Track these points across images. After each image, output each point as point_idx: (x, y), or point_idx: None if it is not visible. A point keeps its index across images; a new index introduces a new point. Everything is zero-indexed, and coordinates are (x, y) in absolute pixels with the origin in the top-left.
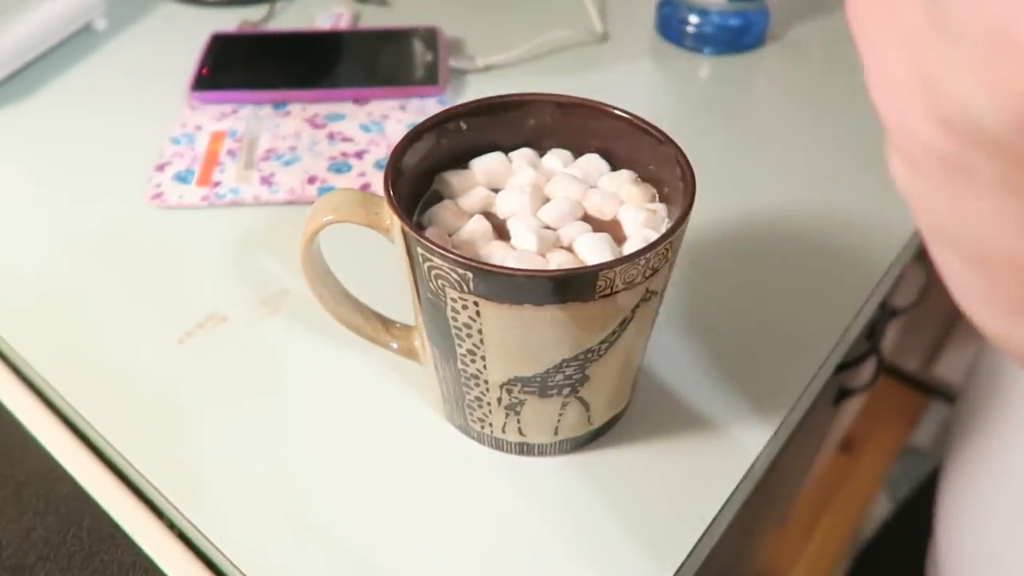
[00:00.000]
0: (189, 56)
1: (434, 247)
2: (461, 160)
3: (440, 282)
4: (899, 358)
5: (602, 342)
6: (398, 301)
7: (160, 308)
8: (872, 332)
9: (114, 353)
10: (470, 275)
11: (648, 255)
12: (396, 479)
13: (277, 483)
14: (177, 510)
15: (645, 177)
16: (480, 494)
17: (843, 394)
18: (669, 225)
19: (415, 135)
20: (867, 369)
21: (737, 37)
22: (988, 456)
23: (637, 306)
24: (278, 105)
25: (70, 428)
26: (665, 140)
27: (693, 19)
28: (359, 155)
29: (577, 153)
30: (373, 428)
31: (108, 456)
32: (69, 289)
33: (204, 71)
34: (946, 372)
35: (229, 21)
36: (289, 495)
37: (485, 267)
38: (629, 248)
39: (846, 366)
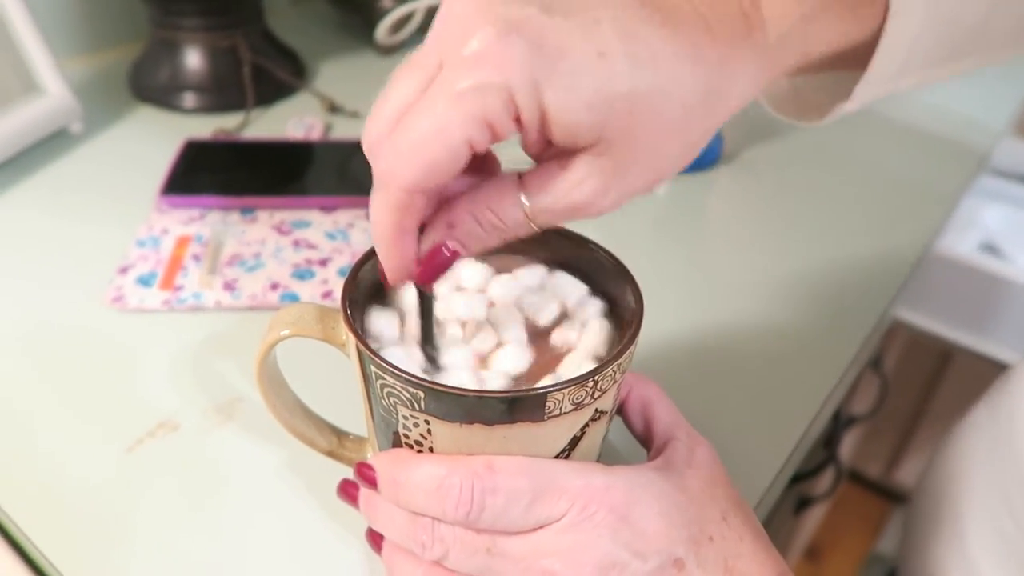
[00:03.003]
0: (163, 161)
1: (387, 365)
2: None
3: (392, 399)
4: (861, 464)
5: (554, 459)
6: (354, 412)
7: (111, 414)
8: (830, 441)
9: (57, 459)
10: (421, 394)
11: (596, 377)
12: None
13: None
14: None
15: (595, 290)
16: None
17: (804, 503)
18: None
19: (373, 253)
20: (827, 477)
21: None
22: (943, 558)
23: (587, 425)
24: (246, 211)
25: (4, 537)
26: (615, 262)
27: None
28: (323, 263)
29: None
30: (322, 546)
31: (43, 569)
32: (16, 389)
33: (174, 176)
34: (908, 478)
35: (205, 128)
36: None
37: (436, 387)
38: (570, 363)
39: (805, 475)
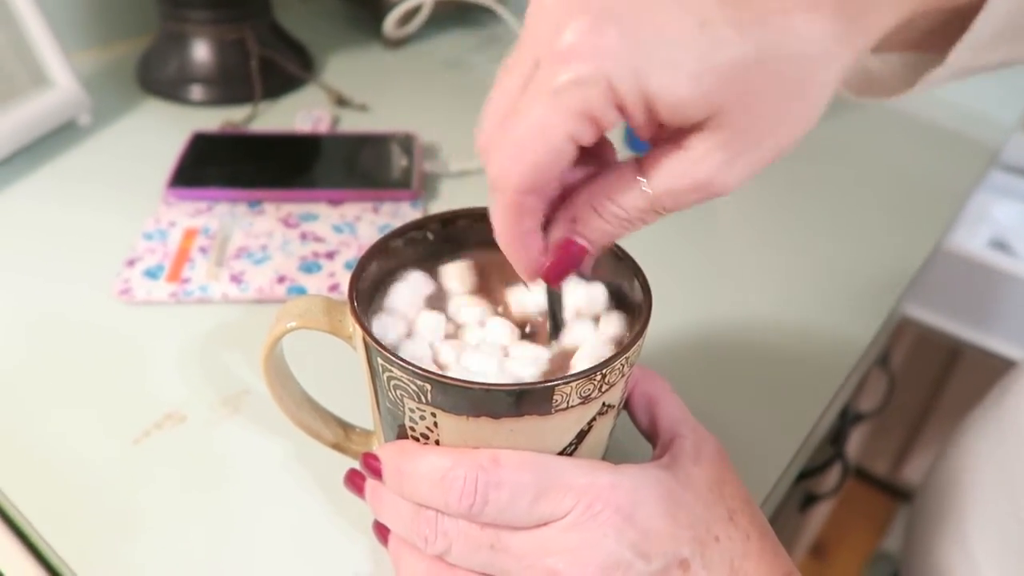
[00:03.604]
0: (170, 153)
1: (393, 358)
2: (428, 265)
3: (399, 392)
4: (868, 462)
5: (560, 454)
6: (360, 405)
7: (118, 406)
8: (837, 438)
9: (64, 450)
10: (428, 387)
11: (604, 370)
12: None
13: None
14: None
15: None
16: None
17: (810, 500)
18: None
19: (380, 247)
20: (833, 474)
21: None
22: (946, 555)
23: (594, 419)
24: (253, 204)
25: (11, 528)
26: (624, 256)
27: None
28: (330, 255)
29: None
30: (328, 538)
31: (49, 560)
32: (24, 381)
33: (182, 168)
34: (915, 475)
35: (212, 120)
36: None
37: (443, 379)
38: (579, 358)
39: (811, 472)
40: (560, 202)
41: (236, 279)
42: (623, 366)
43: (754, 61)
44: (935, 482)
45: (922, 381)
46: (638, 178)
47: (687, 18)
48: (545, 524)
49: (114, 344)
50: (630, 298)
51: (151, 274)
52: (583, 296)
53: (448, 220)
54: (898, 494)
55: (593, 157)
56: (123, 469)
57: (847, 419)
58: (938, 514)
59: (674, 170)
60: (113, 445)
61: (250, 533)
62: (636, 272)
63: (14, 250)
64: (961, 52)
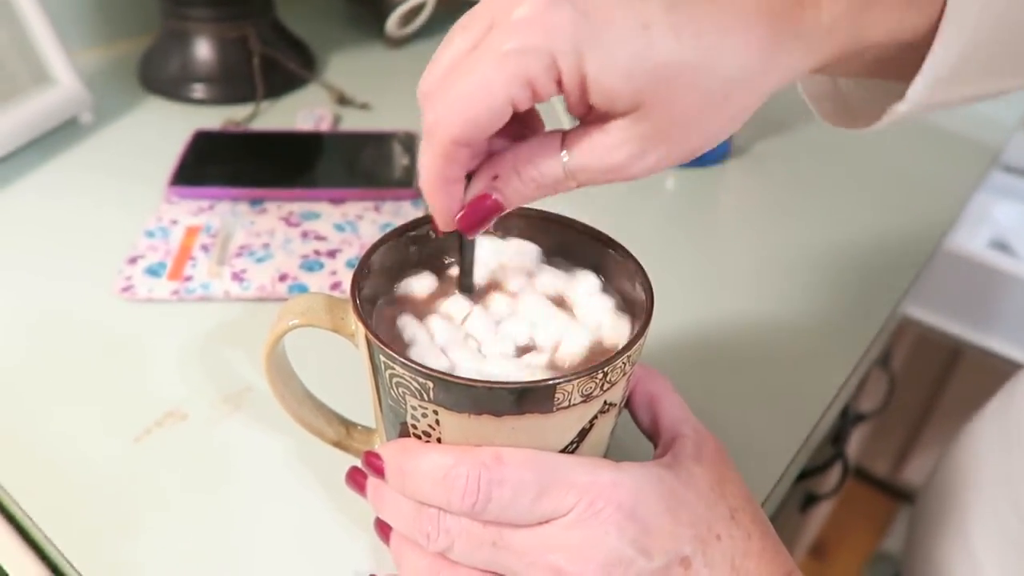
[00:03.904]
0: (172, 151)
1: (396, 355)
2: (431, 263)
3: (401, 390)
4: (868, 462)
5: (561, 452)
6: (362, 402)
7: (119, 404)
8: (837, 438)
9: (66, 448)
10: (431, 384)
11: (605, 369)
12: None
13: None
14: None
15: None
16: None
17: (810, 500)
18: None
19: (382, 244)
20: (834, 474)
21: None
22: (947, 555)
23: (595, 418)
24: (255, 202)
25: (13, 525)
26: (626, 256)
27: None
28: (331, 254)
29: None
30: (329, 536)
31: (51, 558)
32: (25, 378)
33: (183, 166)
34: (915, 476)
35: (214, 119)
36: None
37: (446, 377)
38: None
39: (812, 472)
40: (485, 159)
41: (238, 277)
42: (625, 364)
43: (683, 69)
44: (937, 482)
45: (923, 381)
46: (561, 151)
47: (634, 17)
48: (547, 522)
49: (116, 342)
50: (631, 296)
51: (153, 272)
52: (512, 250)
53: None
54: (898, 494)
55: (522, 125)
56: (125, 467)
57: (848, 419)
58: (940, 514)
59: (592, 150)
60: (114, 443)
61: (251, 531)
62: (638, 271)
63: (16, 247)
64: (919, 90)
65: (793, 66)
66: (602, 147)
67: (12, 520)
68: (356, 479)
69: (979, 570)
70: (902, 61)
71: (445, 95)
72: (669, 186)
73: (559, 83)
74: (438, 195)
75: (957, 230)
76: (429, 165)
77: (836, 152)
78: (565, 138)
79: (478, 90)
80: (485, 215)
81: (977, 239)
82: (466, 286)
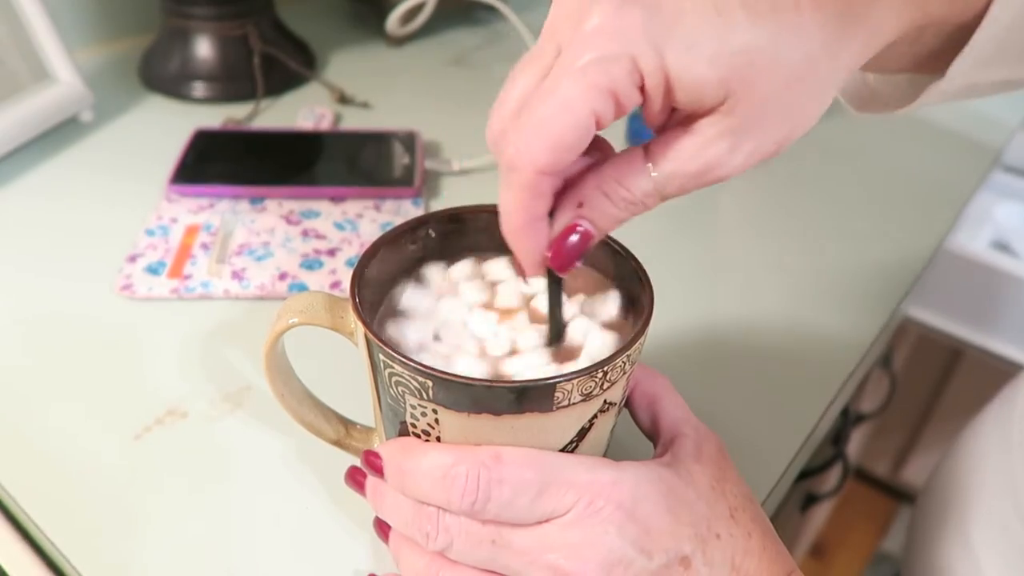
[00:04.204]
0: (173, 150)
1: (395, 354)
2: (431, 262)
3: (400, 388)
4: (869, 462)
5: (561, 451)
6: (362, 401)
7: (119, 402)
8: (838, 438)
9: (64, 446)
10: (430, 383)
11: (605, 368)
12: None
13: None
14: None
15: (607, 277)
16: None
17: (810, 500)
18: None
19: (382, 243)
20: (834, 474)
21: None
22: (947, 556)
23: (595, 417)
24: (255, 200)
25: (12, 524)
26: (626, 255)
27: None
28: (331, 252)
29: None
30: (328, 535)
31: (49, 555)
32: (25, 376)
33: (184, 165)
34: (915, 477)
35: (214, 117)
36: None
37: (445, 376)
38: (583, 360)
39: (812, 472)
40: (562, 193)
41: (238, 276)
42: (624, 364)
43: (765, 50)
44: (938, 483)
45: (924, 382)
46: (646, 163)
47: (705, 4)
48: (547, 520)
49: (116, 340)
50: (631, 295)
51: (153, 270)
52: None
53: (450, 217)
54: (899, 495)
55: (593, 151)
56: (124, 465)
57: (848, 419)
58: (941, 515)
59: (682, 154)
60: (114, 441)
61: (251, 529)
62: (638, 270)
63: (16, 245)
64: (963, 65)
65: (869, 37)
66: (691, 149)
67: (11, 518)
68: (355, 478)
69: (980, 571)
70: (948, 53)
71: (523, 125)
72: None
73: (642, 89)
74: (526, 235)
75: (958, 231)
76: (514, 203)
77: (838, 152)
78: (648, 149)
79: (561, 109)
80: (577, 249)
81: (978, 240)
82: (557, 334)
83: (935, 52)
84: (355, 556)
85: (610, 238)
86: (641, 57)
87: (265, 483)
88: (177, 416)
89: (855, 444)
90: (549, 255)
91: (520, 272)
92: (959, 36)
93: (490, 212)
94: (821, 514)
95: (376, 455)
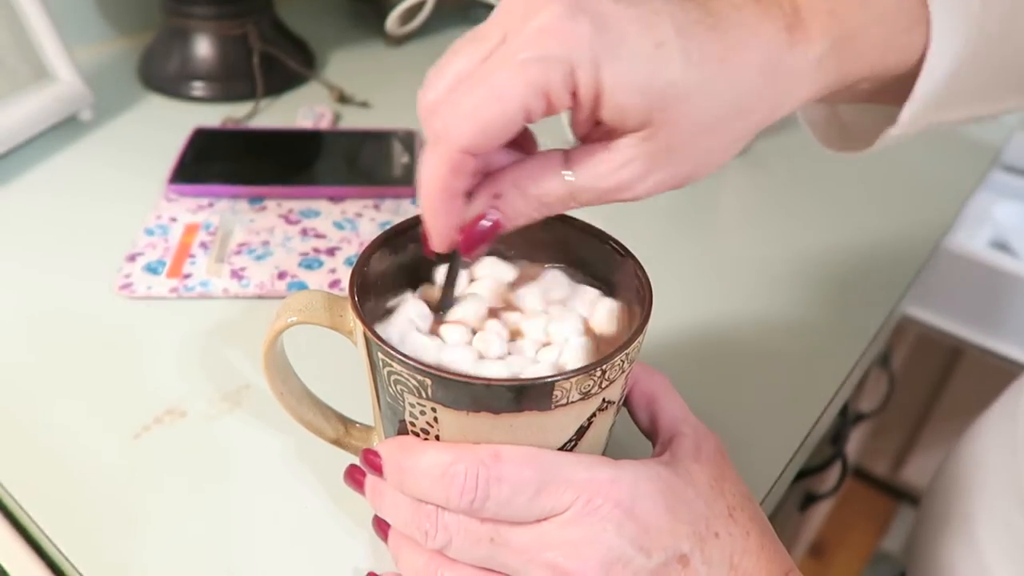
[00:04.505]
0: (172, 149)
1: (394, 352)
2: (431, 261)
3: (399, 387)
4: (868, 462)
5: (560, 449)
6: (361, 400)
7: (118, 401)
8: (837, 437)
9: (63, 445)
10: (429, 382)
11: (604, 366)
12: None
13: None
14: None
15: (605, 281)
16: None
17: (809, 499)
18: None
19: (381, 242)
20: (833, 474)
21: None
22: (952, 556)
23: (594, 415)
24: (254, 200)
25: (11, 522)
26: (625, 254)
27: None
28: (331, 252)
29: (541, 259)
30: (328, 534)
31: (49, 554)
32: (24, 375)
33: (183, 164)
34: (914, 476)
35: (213, 116)
36: None
37: (444, 374)
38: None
39: (811, 471)
40: (481, 180)
41: (237, 275)
42: (623, 362)
43: (691, 94)
44: (942, 483)
45: (923, 381)
46: (564, 170)
47: (649, 35)
48: (545, 519)
49: (115, 339)
50: (629, 293)
51: (152, 269)
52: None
53: None
54: (898, 494)
55: (518, 147)
56: (124, 464)
57: (847, 419)
58: (946, 515)
59: (599, 168)
60: (114, 440)
61: (250, 528)
62: (636, 267)
63: (16, 244)
64: (912, 112)
65: (789, 95)
66: (608, 166)
67: (10, 516)
68: (355, 476)
69: (986, 571)
70: (899, 88)
71: (457, 102)
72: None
73: (573, 95)
74: (439, 210)
75: (957, 230)
76: (433, 176)
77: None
78: (567, 157)
79: (495, 95)
80: (486, 236)
81: (977, 239)
82: (447, 305)
83: (881, 92)
84: (354, 554)
85: (607, 236)
86: (580, 67)
87: (264, 482)
88: (176, 415)
89: (854, 444)
90: (460, 237)
91: (426, 247)
92: (903, 82)
93: None
94: (820, 513)
95: (375, 453)
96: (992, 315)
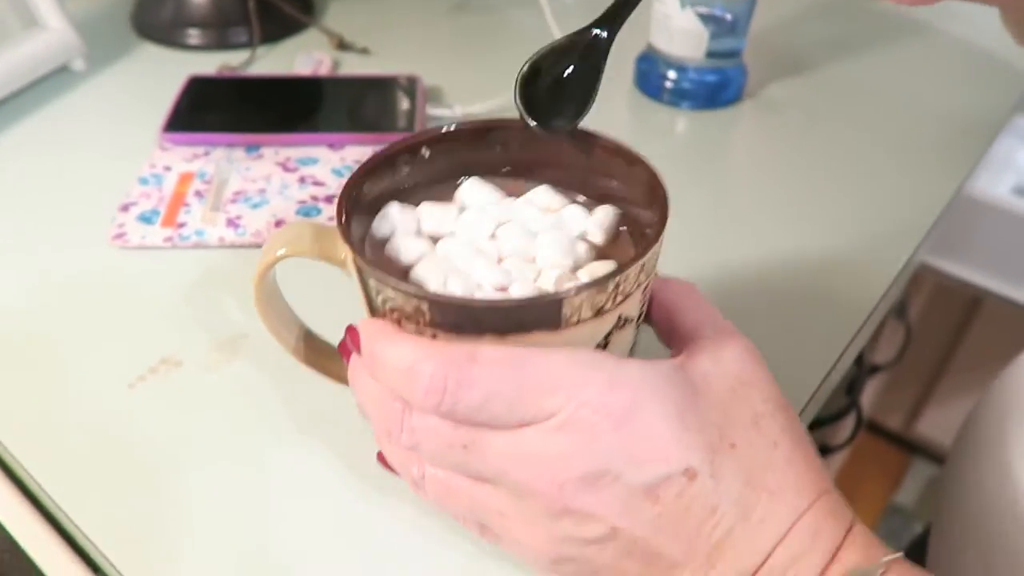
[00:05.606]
0: (166, 98)
1: (387, 277)
2: (425, 189)
3: (396, 315)
4: (882, 415)
5: None
6: None
7: (112, 351)
8: (851, 388)
9: (58, 395)
10: (425, 306)
11: (617, 279)
12: (362, 525)
13: (227, 539)
14: (116, 569)
15: (615, 197)
16: (448, 531)
17: (823, 451)
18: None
19: (372, 165)
20: (847, 425)
21: (715, 93)
22: (977, 522)
23: (610, 334)
24: (251, 148)
25: (6, 473)
26: (636, 160)
27: (671, 75)
28: (329, 199)
29: (541, 179)
30: (327, 481)
31: (44, 505)
32: (18, 326)
33: (177, 111)
34: (929, 430)
35: (209, 65)
36: (245, 551)
37: (440, 298)
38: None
39: (825, 422)
40: None
41: (233, 223)
42: (639, 274)
43: None
44: (971, 435)
45: (940, 333)
46: None
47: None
48: (528, 425)
49: (109, 289)
50: (642, 204)
51: (146, 219)
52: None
53: (444, 137)
54: (912, 448)
55: None
56: (119, 413)
57: (862, 369)
58: (971, 475)
59: None
60: (109, 389)
61: (249, 477)
62: (651, 175)
63: (7, 195)
64: None
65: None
66: None
67: (4, 467)
68: (345, 348)
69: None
70: None
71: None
72: (679, 128)
73: None
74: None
75: (979, 176)
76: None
77: (853, 93)
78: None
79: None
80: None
81: (1001, 186)
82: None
83: None
84: (354, 500)
85: (618, 144)
86: None
87: (262, 430)
88: (172, 365)
89: (868, 396)
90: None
91: None
92: None
93: (486, 129)
94: (833, 466)
95: (355, 331)
96: (1015, 264)
